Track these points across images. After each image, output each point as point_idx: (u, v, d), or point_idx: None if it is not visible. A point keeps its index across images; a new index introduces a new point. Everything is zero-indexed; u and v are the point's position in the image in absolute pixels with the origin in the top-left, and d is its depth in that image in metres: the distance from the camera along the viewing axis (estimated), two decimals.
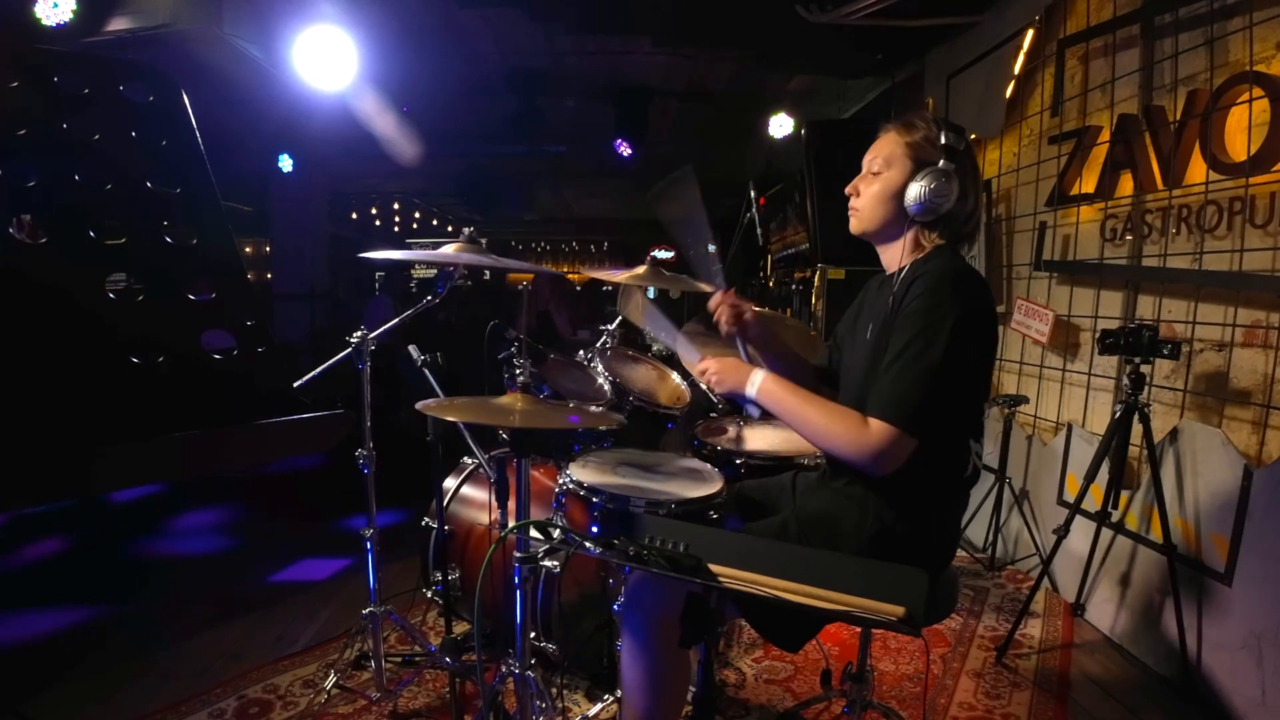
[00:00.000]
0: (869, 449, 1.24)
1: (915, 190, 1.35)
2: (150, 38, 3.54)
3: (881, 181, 1.42)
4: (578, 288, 7.62)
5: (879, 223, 1.44)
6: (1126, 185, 2.58)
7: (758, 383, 1.38)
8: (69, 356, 2.62)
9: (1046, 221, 3.02)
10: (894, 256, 1.45)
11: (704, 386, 1.48)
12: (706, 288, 2.30)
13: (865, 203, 1.45)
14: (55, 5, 3.24)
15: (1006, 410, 3.14)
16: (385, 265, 8.55)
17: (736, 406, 2.18)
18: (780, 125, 5.18)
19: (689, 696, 1.46)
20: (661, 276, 2.22)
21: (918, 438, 1.23)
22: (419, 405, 1.44)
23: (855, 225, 1.49)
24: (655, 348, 2.90)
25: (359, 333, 1.89)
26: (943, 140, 1.35)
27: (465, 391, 1.74)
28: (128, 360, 2.76)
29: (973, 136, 3.61)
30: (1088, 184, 2.77)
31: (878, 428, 1.24)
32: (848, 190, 1.49)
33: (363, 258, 1.86)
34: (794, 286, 7.95)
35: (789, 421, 1.36)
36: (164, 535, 3.61)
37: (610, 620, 1.91)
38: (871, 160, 1.45)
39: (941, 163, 1.34)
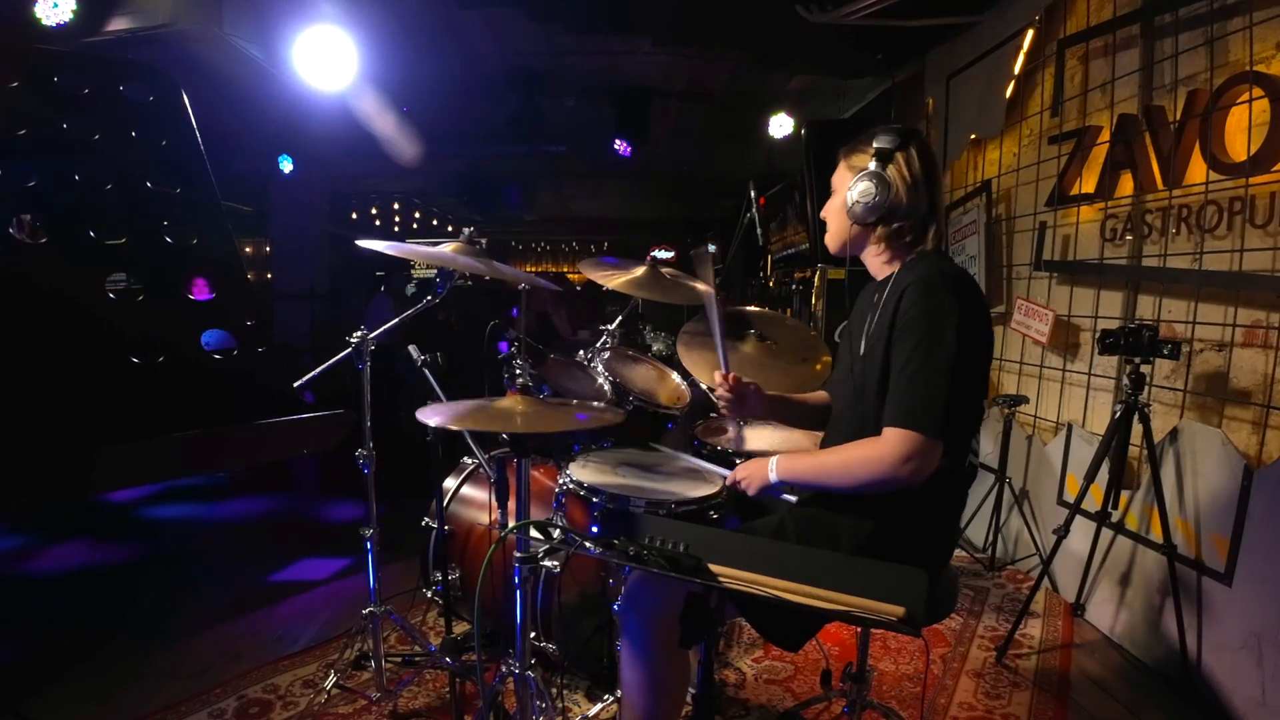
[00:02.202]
0: (896, 462, 1.24)
1: (849, 197, 1.43)
2: (150, 38, 3.54)
3: (834, 200, 1.52)
4: (577, 288, 7.62)
5: (841, 236, 1.52)
6: (1126, 185, 2.58)
7: (776, 467, 1.43)
8: (69, 356, 2.62)
9: (1046, 221, 3.02)
10: (875, 265, 1.51)
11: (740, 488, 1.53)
12: (702, 287, 2.30)
13: (829, 222, 1.55)
14: (55, 5, 3.23)
15: (1006, 410, 3.13)
16: (385, 264, 8.54)
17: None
18: (780, 125, 5.18)
19: (689, 696, 1.46)
20: (661, 277, 2.22)
21: (942, 440, 1.24)
22: (420, 414, 1.44)
23: (828, 244, 1.58)
24: (655, 348, 2.90)
25: (359, 333, 1.89)
26: (874, 145, 1.41)
27: (465, 392, 1.74)
28: (128, 360, 2.76)
29: (973, 136, 3.62)
30: (1088, 184, 2.76)
31: (900, 437, 1.24)
32: (821, 216, 1.58)
33: (360, 244, 1.84)
34: (794, 286, 7.94)
35: (819, 480, 1.40)
36: (164, 534, 3.62)
37: (610, 620, 1.91)
38: (833, 185, 1.55)
39: (871, 165, 1.40)
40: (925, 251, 1.41)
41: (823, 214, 1.57)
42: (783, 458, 1.43)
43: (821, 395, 1.77)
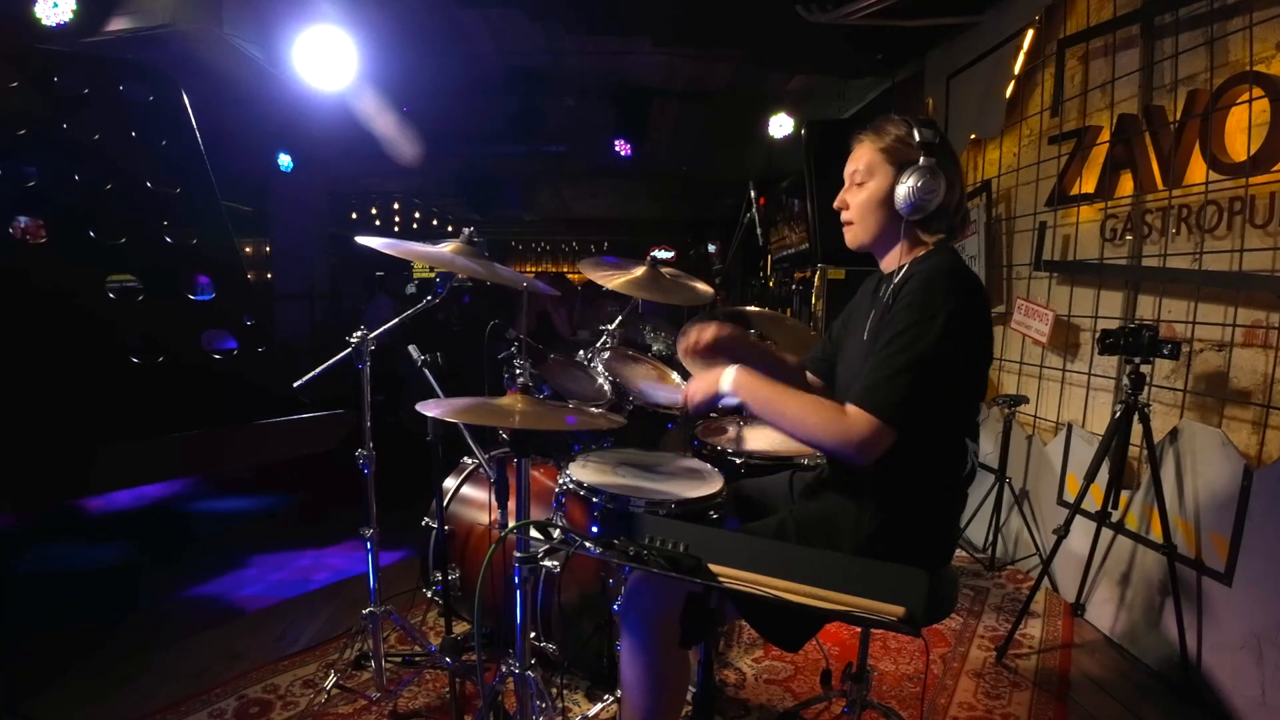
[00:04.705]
0: (845, 436, 1.23)
1: (903, 191, 1.35)
2: (150, 38, 3.54)
3: (867, 190, 1.42)
4: (577, 287, 7.62)
5: (874, 231, 1.44)
6: (1126, 185, 2.58)
7: (731, 376, 1.37)
8: (69, 356, 2.62)
9: (1046, 221, 3.02)
10: (893, 259, 1.46)
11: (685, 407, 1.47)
12: (701, 285, 2.31)
13: (856, 214, 1.45)
14: (55, 5, 3.24)
15: (1006, 410, 3.13)
16: (385, 264, 8.54)
17: (737, 407, 2.15)
18: (780, 125, 5.19)
19: (689, 696, 1.46)
20: (660, 277, 2.22)
21: (896, 428, 1.22)
22: (419, 406, 1.44)
23: (851, 239, 1.49)
24: (655, 347, 2.90)
25: (359, 333, 1.89)
26: (917, 137, 1.36)
27: (465, 391, 1.73)
28: (128, 360, 2.76)
29: (973, 136, 3.62)
30: (1088, 184, 2.76)
31: (855, 415, 1.23)
32: (836, 205, 1.49)
33: (359, 241, 1.83)
34: (794, 286, 7.96)
35: (766, 412, 1.34)
36: (164, 535, 3.62)
37: (610, 620, 1.91)
38: (853, 172, 1.45)
39: (922, 160, 1.35)
40: (939, 245, 1.40)
41: (840, 202, 1.48)
42: (742, 371, 1.37)
43: (793, 358, 1.73)
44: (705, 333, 1.55)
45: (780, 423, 1.32)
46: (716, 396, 1.39)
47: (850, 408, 1.25)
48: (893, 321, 1.28)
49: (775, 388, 1.36)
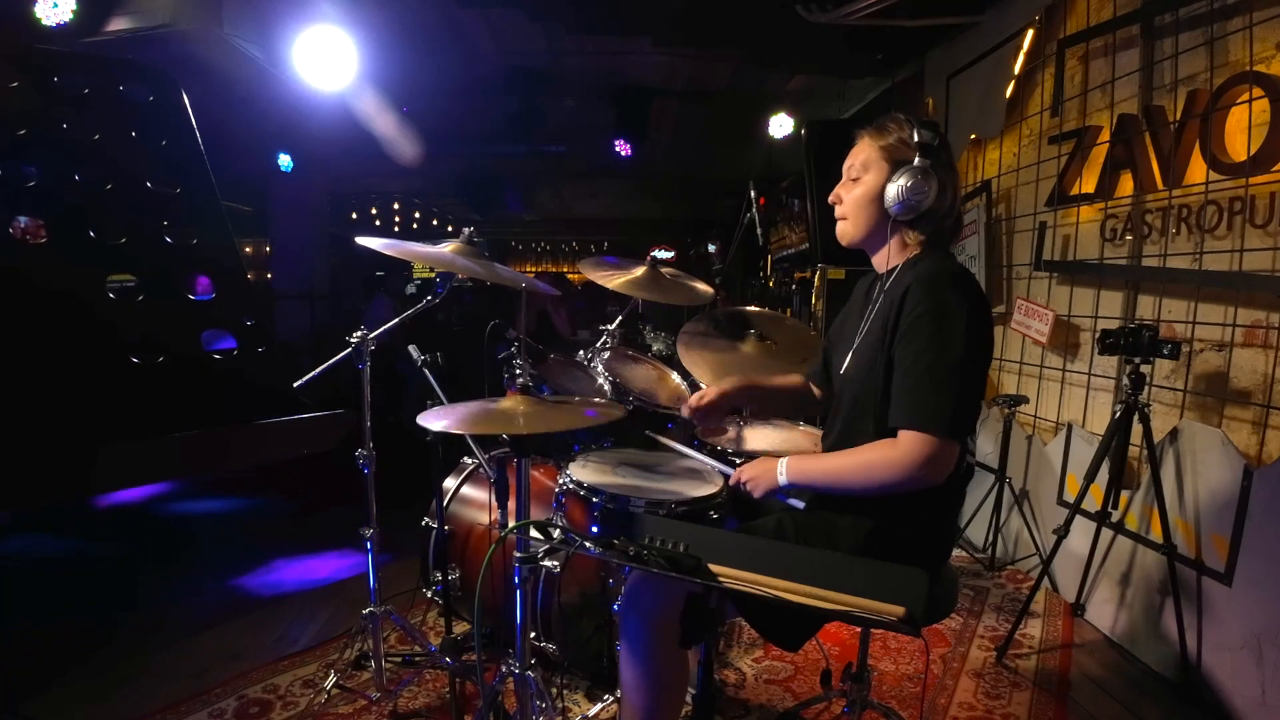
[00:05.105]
0: (916, 464, 1.23)
1: (893, 190, 1.36)
2: (150, 38, 3.54)
3: (861, 186, 1.43)
4: (577, 287, 7.62)
5: (865, 228, 1.44)
6: (1126, 185, 2.58)
7: (785, 470, 1.39)
8: (69, 356, 2.62)
9: (1046, 221, 3.02)
10: (883, 259, 1.47)
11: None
12: (702, 286, 2.31)
13: (849, 209, 1.46)
14: (55, 5, 3.24)
15: (1006, 410, 3.13)
16: (385, 264, 8.55)
17: (737, 408, 2.15)
18: (780, 125, 5.19)
19: (689, 696, 1.46)
20: (661, 277, 2.22)
21: (958, 439, 1.24)
22: (421, 419, 1.43)
23: (842, 234, 1.50)
24: (655, 348, 2.90)
25: (359, 333, 1.89)
26: (916, 138, 1.36)
27: (465, 392, 1.73)
28: (128, 360, 2.76)
29: (973, 136, 3.62)
30: (1088, 184, 2.76)
31: (910, 440, 1.23)
32: (831, 199, 1.50)
33: (359, 242, 1.83)
34: (794, 286, 7.96)
35: (830, 483, 1.36)
36: (163, 534, 3.62)
37: (610, 620, 1.91)
38: (849, 167, 1.46)
39: (916, 160, 1.35)
40: (930, 247, 1.40)
41: (835, 197, 1.49)
42: (793, 459, 1.39)
43: (794, 380, 1.74)
44: (705, 398, 1.61)
45: (849, 487, 1.33)
46: (777, 490, 1.41)
47: (902, 434, 1.25)
48: (912, 336, 1.27)
49: (826, 459, 1.39)
